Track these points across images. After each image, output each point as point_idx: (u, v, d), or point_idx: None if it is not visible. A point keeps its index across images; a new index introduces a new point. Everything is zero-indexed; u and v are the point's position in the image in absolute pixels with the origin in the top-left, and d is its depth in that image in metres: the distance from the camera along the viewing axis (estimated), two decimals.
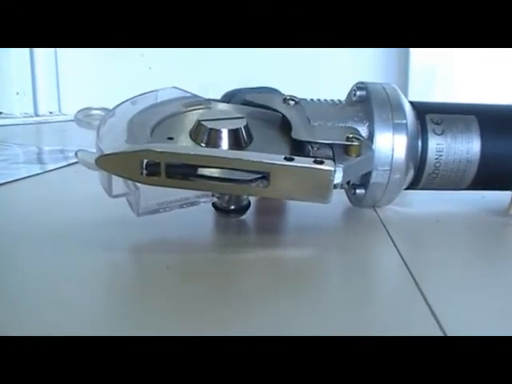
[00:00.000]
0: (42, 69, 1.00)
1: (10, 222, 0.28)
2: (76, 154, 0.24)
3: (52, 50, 1.03)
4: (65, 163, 0.44)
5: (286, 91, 0.28)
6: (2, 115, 0.93)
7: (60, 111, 1.05)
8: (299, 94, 0.27)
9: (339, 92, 0.30)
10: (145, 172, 0.22)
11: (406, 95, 0.30)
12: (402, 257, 0.24)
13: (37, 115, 0.99)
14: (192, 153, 0.22)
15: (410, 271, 0.22)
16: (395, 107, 0.28)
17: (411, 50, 0.61)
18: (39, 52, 1.01)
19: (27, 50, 0.98)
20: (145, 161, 0.22)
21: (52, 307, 0.18)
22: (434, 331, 0.16)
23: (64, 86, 1.05)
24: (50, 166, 0.43)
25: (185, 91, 0.29)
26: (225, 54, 0.76)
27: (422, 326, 0.17)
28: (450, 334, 0.16)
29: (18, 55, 0.98)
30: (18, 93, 0.96)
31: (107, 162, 0.22)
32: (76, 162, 0.39)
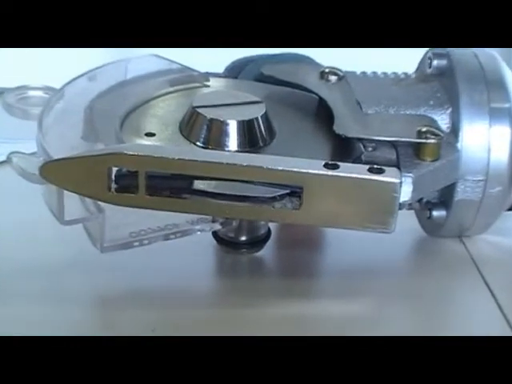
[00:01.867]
0: None
1: None
2: (9, 158, 0.26)
3: None
4: None
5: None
6: None
7: None
8: None
9: None
10: (114, 186, 0.24)
11: (510, 65, 0.31)
12: (505, 316, 0.25)
13: None
14: (186, 157, 0.23)
15: None
16: (493, 84, 0.29)
17: None
18: None
19: None
20: (114, 169, 0.24)
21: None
22: None
23: None
24: None
25: (169, 60, 0.30)
26: None
27: None
28: None
29: None
30: None
31: (57, 172, 0.24)
32: None
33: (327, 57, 0.31)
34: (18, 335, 0.22)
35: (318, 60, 0.31)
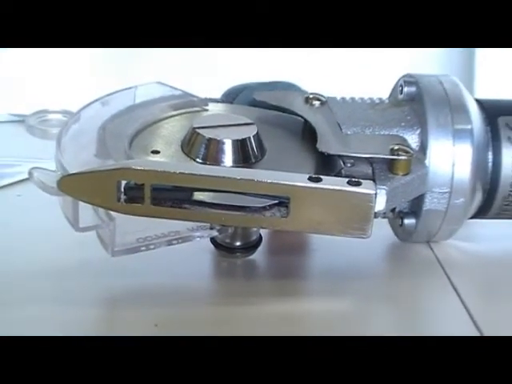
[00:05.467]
0: None
1: None
2: (30, 173, 0.27)
3: None
4: None
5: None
6: None
7: None
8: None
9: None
10: (123, 197, 0.25)
11: (471, 91, 0.33)
12: (469, 314, 0.26)
13: None
14: (187, 172, 0.24)
15: (482, 335, 0.24)
16: (456, 108, 0.30)
17: None
18: None
19: None
20: (123, 182, 0.25)
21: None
22: None
23: None
24: None
25: (173, 88, 0.31)
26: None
27: None
28: None
29: None
30: None
31: (73, 185, 0.25)
32: (14, 183, 0.41)
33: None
34: (30, 335, 0.23)
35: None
